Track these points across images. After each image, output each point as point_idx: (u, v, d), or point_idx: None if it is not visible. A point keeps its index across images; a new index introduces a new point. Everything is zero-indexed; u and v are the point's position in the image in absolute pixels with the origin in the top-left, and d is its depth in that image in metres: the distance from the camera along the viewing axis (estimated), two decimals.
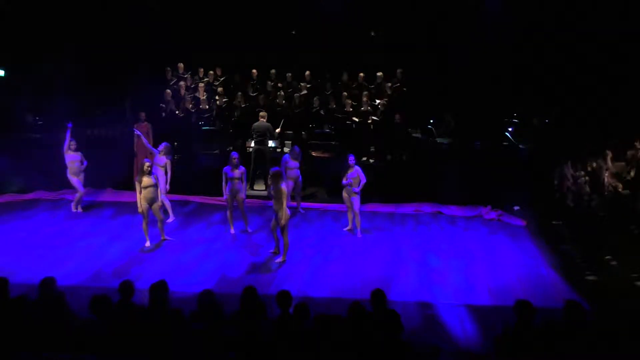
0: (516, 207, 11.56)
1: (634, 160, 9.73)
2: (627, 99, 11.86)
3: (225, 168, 9.81)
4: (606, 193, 8.87)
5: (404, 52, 13.97)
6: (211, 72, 14.17)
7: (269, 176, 9.08)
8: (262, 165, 12.33)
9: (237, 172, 9.77)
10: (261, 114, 12.19)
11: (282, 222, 8.60)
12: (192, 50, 13.98)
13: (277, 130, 12.53)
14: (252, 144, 12.23)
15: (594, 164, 9.99)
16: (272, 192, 8.77)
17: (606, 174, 9.37)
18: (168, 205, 10.68)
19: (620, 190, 8.81)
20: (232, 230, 10.15)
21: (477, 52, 13.22)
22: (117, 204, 11.74)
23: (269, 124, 12.13)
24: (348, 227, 10.44)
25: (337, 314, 5.09)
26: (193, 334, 4.92)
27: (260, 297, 5.58)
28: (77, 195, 11.17)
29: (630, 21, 12.13)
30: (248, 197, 10.91)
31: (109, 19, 13.76)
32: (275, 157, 12.09)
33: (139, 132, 11.17)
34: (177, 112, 13.07)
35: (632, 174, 9.61)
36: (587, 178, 9.51)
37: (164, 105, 13.07)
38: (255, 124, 12.10)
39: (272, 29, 14.43)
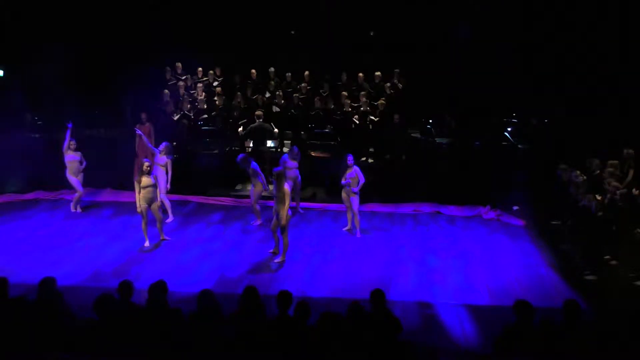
0: (515, 207, 11.55)
1: (630, 159, 9.74)
2: (626, 98, 11.87)
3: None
4: (607, 194, 8.84)
5: (403, 52, 13.96)
6: (211, 71, 14.15)
7: (272, 176, 9.06)
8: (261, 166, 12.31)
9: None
10: (257, 113, 12.17)
11: (283, 222, 8.59)
12: (191, 50, 13.97)
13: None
14: (251, 144, 12.21)
15: (593, 164, 9.99)
16: (273, 192, 8.78)
17: (605, 174, 9.36)
18: (168, 205, 10.68)
19: (619, 189, 8.79)
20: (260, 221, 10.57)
21: (477, 51, 13.22)
22: (116, 204, 11.73)
23: (267, 124, 12.11)
24: (347, 227, 10.43)
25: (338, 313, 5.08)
26: (193, 334, 4.92)
27: (261, 297, 5.57)
28: (76, 195, 11.15)
29: (630, 21, 12.15)
30: (247, 197, 11.08)
31: (109, 19, 13.75)
32: (274, 158, 12.09)
33: (140, 132, 11.17)
34: (175, 112, 13.05)
35: (630, 174, 9.62)
36: (584, 177, 9.49)
37: (162, 107, 13.05)
38: (253, 125, 12.08)
39: (272, 29, 14.42)
